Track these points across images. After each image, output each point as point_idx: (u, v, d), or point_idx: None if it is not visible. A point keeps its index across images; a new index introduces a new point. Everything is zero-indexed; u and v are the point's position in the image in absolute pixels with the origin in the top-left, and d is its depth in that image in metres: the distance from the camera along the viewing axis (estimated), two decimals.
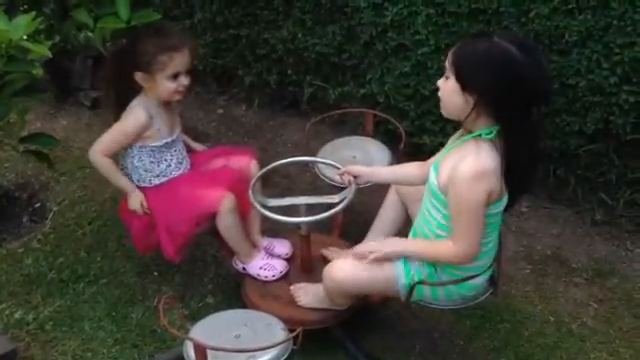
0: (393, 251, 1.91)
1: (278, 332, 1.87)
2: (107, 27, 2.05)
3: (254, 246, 2.30)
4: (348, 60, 3.03)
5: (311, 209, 2.13)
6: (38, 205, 2.87)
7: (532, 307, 2.40)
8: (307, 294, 2.15)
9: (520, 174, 1.80)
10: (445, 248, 1.82)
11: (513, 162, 1.76)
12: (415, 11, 2.72)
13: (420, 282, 1.87)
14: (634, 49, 2.37)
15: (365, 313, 2.25)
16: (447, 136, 2.02)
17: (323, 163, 2.30)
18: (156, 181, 2.26)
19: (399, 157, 2.42)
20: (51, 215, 2.79)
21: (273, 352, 1.79)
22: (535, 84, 1.69)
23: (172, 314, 2.17)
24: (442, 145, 1.97)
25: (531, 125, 1.76)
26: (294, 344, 1.84)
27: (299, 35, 3.09)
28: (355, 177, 2.11)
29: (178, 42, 2.13)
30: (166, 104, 2.25)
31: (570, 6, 2.43)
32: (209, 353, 1.74)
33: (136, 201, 2.21)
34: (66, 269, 2.51)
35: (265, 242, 2.32)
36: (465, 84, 1.71)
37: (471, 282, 1.90)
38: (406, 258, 1.90)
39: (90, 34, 3.08)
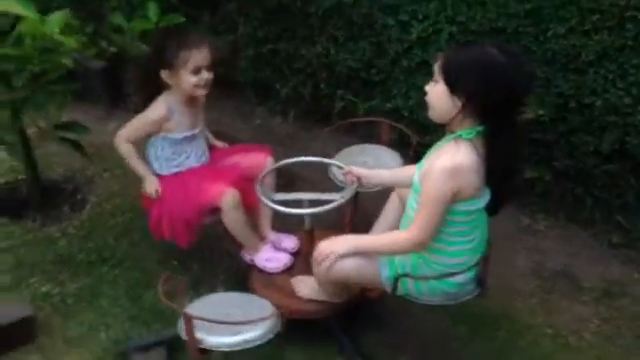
0: (346, 250, 1.97)
1: (267, 314, 1.97)
2: (137, 27, 2.25)
3: (262, 239, 2.43)
4: (376, 75, 3.16)
5: (314, 204, 2.24)
6: (80, 196, 3.10)
7: (532, 319, 2.42)
8: (306, 286, 2.25)
9: (503, 175, 1.86)
10: (398, 236, 1.92)
11: (495, 162, 1.83)
12: (439, 29, 2.82)
13: (404, 275, 1.94)
14: None
15: (362, 309, 2.33)
16: None
17: (327, 163, 2.41)
18: (174, 170, 2.43)
19: (409, 164, 2.50)
20: (89, 206, 3.02)
21: (258, 330, 1.89)
22: (518, 86, 1.77)
23: (183, 300, 2.30)
24: None
25: (514, 127, 1.83)
26: (280, 328, 1.94)
27: (332, 50, 3.24)
28: (358, 178, 2.21)
29: (197, 39, 2.32)
30: (191, 101, 2.42)
31: (587, 26, 2.48)
32: (200, 328, 1.87)
33: (150, 186, 2.38)
34: (94, 253, 2.72)
35: (273, 236, 2.45)
36: (453, 87, 1.80)
37: (453, 280, 1.96)
38: None
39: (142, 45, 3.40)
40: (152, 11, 2.24)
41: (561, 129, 2.67)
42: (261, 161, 2.47)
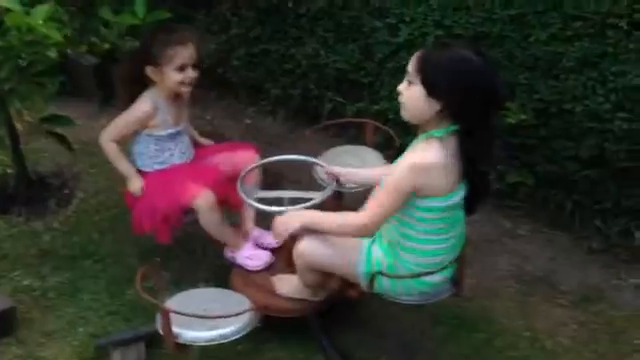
0: (300, 225, 2.00)
1: (243, 309, 1.99)
2: (124, 22, 2.28)
3: (244, 236, 2.45)
4: (365, 77, 3.18)
5: (295, 203, 2.26)
6: (66, 192, 3.12)
7: (509, 321, 2.44)
8: (286, 284, 2.27)
9: (476, 174, 1.89)
10: (348, 216, 1.96)
11: (468, 161, 1.85)
12: (425, 32, 2.85)
13: (379, 272, 1.96)
14: (627, 77, 2.42)
15: (343, 310, 2.35)
16: None
17: (309, 162, 2.43)
18: (158, 167, 2.45)
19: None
20: (75, 201, 3.04)
21: (234, 325, 1.91)
22: (494, 88, 1.80)
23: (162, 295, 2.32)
24: None
25: (488, 128, 1.86)
26: (258, 323, 1.96)
27: (321, 52, 3.27)
28: (337, 177, 2.23)
29: (183, 37, 2.34)
30: (175, 98, 2.44)
31: (568, 33, 2.51)
32: (177, 322, 1.89)
33: (135, 185, 2.40)
34: (77, 247, 2.74)
35: (256, 232, 2.47)
36: (431, 90, 1.81)
37: (428, 279, 1.98)
38: (370, 247, 2.00)
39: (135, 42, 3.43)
40: (139, 7, 2.26)
41: (543, 134, 2.69)
42: (247, 159, 2.49)
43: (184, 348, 1.96)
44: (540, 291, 2.59)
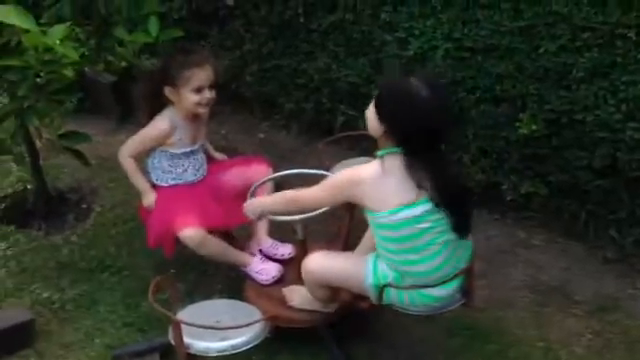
0: (261, 206, 2.19)
1: (253, 320, 2.02)
2: (138, 41, 2.34)
3: (257, 245, 2.50)
4: (376, 90, 3.19)
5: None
6: (84, 206, 3.18)
7: (523, 332, 2.43)
8: (298, 295, 2.29)
9: (445, 195, 1.92)
10: (286, 193, 2.14)
11: (428, 181, 1.90)
12: (435, 45, 2.88)
13: (386, 285, 1.99)
14: (638, 87, 2.42)
15: (355, 321, 2.36)
16: None
17: (319, 175, 2.46)
18: (172, 182, 2.50)
19: None
20: (93, 215, 3.10)
21: (245, 336, 1.94)
22: (435, 124, 1.89)
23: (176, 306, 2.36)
24: None
25: (435, 151, 1.92)
26: (268, 334, 1.98)
27: (333, 66, 3.31)
28: None
29: (200, 59, 2.40)
30: (193, 118, 2.49)
31: (578, 44, 2.52)
32: (189, 333, 1.92)
33: (149, 200, 2.45)
34: (95, 260, 2.79)
35: (269, 242, 2.51)
36: (378, 112, 1.95)
37: (429, 292, 2.00)
38: (376, 260, 2.03)
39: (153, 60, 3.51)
40: (153, 26, 2.32)
41: (555, 144, 2.70)
42: (260, 173, 2.53)
43: (195, 359, 1.99)
44: (555, 301, 2.58)
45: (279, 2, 3.32)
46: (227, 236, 2.58)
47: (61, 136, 2.78)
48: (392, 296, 2.02)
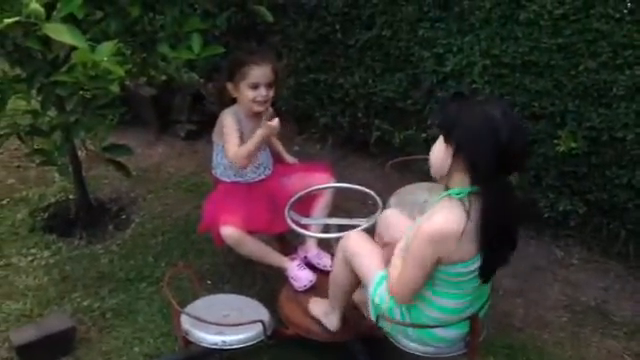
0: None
1: (247, 321, 2.09)
2: (181, 57, 2.40)
3: (304, 252, 2.56)
4: (412, 106, 3.22)
5: (343, 229, 2.31)
6: (124, 216, 3.25)
7: (561, 352, 2.41)
8: (317, 307, 2.32)
9: (493, 241, 1.79)
10: (392, 275, 1.93)
11: (487, 226, 1.77)
12: (473, 62, 2.88)
13: (380, 315, 1.97)
14: None
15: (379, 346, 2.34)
16: None
17: (360, 190, 2.48)
18: (233, 178, 2.57)
19: None
20: (132, 225, 3.16)
21: (239, 335, 2.03)
22: (511, 146, 1.71)
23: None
24: None
25: (505, 190, 1.79)
26: (269, 338, 2.07)
27: (369, 81, 3.33)
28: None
29: (260, 57, 2.48)
30: (254, 115, 2.53)
31: (618, 61, 2.50)
32: (191, 321, 2.08)
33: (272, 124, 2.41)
34: (134, 270, 2.84)
35: (315, 252, 2.56)
36: (447, 134, 1.79)
37: (433, 332, 1.95)
38: (382, 279, 2.00)
39: (192, 73, 3.59)
40: (195, 43, 2.38)
41: (594, 162, 2.67)
42: (321, 181, 2.56)
43: (192, 344, 2.13)
44: (592, 321, 2.55)
45: (317, 18, 3.36)
46: (278, 237, 2.65)
47: (104, 149, 2.85)
48: (386, 325, 1.99)
